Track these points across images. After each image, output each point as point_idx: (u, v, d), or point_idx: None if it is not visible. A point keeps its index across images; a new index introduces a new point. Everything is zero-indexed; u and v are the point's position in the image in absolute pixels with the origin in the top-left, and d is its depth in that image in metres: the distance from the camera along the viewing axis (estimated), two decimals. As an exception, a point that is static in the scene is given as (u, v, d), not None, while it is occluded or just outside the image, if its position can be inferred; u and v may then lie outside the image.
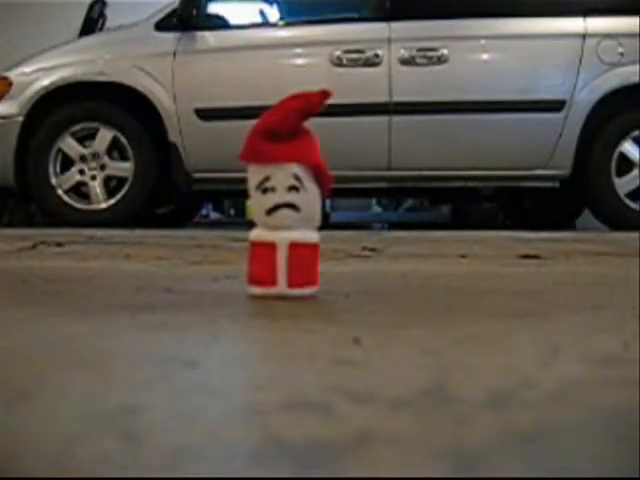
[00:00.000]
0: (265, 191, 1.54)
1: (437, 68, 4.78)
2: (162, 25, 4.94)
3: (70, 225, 4.60)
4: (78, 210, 4.88)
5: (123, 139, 4.87)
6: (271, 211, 1.54)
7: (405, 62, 4.80)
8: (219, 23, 5.10)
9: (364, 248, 2.94)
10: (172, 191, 5.07)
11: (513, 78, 4.80)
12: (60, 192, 4.89)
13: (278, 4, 5.57)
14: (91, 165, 4.87)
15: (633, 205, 4.79)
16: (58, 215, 4.90)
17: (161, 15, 4.98)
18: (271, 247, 1.54)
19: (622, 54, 4.75)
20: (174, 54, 4.87)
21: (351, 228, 5.90)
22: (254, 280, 1.56)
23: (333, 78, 4.70)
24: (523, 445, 0.61)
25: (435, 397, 0.75)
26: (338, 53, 4.81)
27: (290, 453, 0.59)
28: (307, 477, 0.54)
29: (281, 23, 5.37)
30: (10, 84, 4.94)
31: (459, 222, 7.34)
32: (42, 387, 0.81)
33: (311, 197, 1.55)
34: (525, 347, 1.05)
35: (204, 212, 8.81)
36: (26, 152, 4.88)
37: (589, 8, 4.80)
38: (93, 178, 4.87)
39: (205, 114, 4.83)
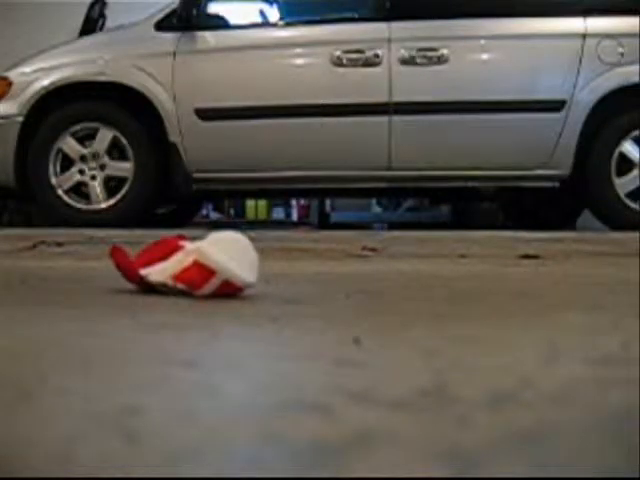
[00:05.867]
0: None
1: (437, 68, 4.77)
2: (162, 25, 4.93)
3: (70, 225, 4.60)
4: (78, 210, 4.87)
5: (123, 139, 4.86)
6: None
7: (405, 62, 4.79)
8: (219, 23, 5.09)
9: (364, 248, 2.94)
10: (172, 191, 5.06)
11: (513, 78, 4.80)
12: (60, 192, 4.88)
13: (278, 4, 5.57)
14: (91, 165, 4.86)
15: (633, 205, 4.78)
16: (58, 215, 4.89)
17: (161, 15, 4.98)
18: None
19: (622, 54, 4.75)
20: (174, 54, 4.86)
21: (351, 228, 5.89)
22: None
23: (333, 78, 4.70)
24: (523, 445, 0.60)
25: (435, 397, 0.75)
26: (338, 53, 4.80)
27: (290, 453, 0.59)
28: (307, 477, 0.54)
29: (281, 23, 5.36)
30: (10, 84, 4.93)
31: (459, 222, 7.33)
32: (42, 387, 0.81)
33: None
34: (525, 347, 1.05)
35: (204, 212, 8.81)
36: (26, 152, 4.88)
37: (589, 8, 4.80)
38: (93, 178, 4.86)
39: (205, 114, 4.82)
